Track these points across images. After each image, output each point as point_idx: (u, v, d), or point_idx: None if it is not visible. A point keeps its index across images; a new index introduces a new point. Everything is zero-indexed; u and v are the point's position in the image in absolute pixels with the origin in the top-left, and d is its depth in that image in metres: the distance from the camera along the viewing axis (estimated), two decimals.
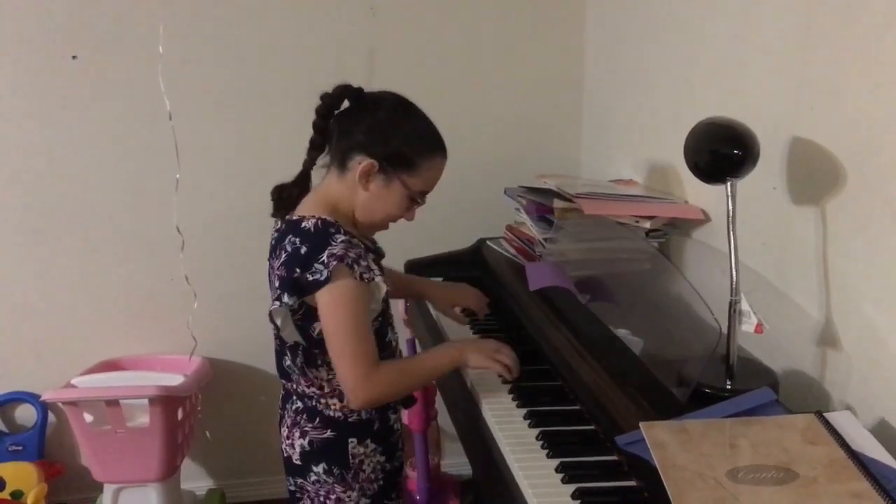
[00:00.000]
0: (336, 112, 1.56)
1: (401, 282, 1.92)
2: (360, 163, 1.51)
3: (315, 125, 1.57)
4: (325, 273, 1.43)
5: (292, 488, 1.64)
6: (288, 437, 1.61)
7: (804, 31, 1.48)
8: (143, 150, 2.51)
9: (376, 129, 1.52)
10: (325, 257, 1.44)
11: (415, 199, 1.56)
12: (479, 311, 1.92)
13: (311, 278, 1.44)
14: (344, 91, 1.55)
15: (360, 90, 1.56)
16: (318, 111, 1.56)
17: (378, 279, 1.49)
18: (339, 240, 1.47)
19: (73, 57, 2.42)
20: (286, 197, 1.60)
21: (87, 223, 2.54)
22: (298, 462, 1.60)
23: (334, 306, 1.45)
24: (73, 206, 2.52)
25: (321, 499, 1.59)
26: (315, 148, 1.58)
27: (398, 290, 1.86)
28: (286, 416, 1.63)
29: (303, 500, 1.62)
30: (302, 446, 1.58)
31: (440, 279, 2.28)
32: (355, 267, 1.45)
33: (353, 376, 1.46)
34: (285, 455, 1.63)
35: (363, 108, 1.55)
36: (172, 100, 2.38)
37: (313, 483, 1.59)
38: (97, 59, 2.44)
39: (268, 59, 2.51)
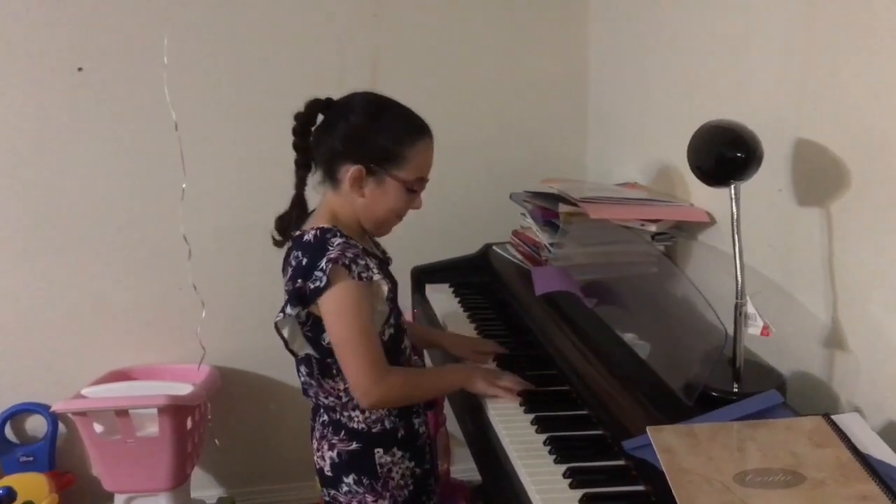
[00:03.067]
0: (313, 128, 1.55)
1: (420, 334, 1.88)
2: (347, 171, 1.50)
3: (295, 146, 1.56)
4: (324, 279, 1.44)
5: (327, 499, 1.65)
6: (318, 450, 1.62)
7: (806, 32, 1.48)
8: (150, 159, 2.52)
9: (353, 134, 1.51)
10: (322, 263, 1.45)
11: (412, 189, 1.54)
12: (497, 350, 1.85)
13: (312, 286, 1.45)
14: (314, 106, 1.55)
15: (328, 101, 1.56)
16: (295, 131, 1.55)
17: (377, 278, 1.49)
18: (335, 243, 1.47)
19: (79, 69, 2.44)
20: (287, 223, 1.60)
21: (94, 233, 2.55)
22: (330, 474, 1.60)
23: (338, 310, 1.46)
24: (81, 216, 2.53)
25: None
26: (301, 167, 1.57)
27: (419, 342, 1.84)
28: (315, 428, 1.64)
29: None
30: (331, 458, 1.59)
31: (446, 284, 2.30)
32: (353, 267, 1.45)
33: (364, 376, 1.48)
34: (317, 467, 1.64)
35: (336, 117, 1.54)
36: (178, 110, 2.39)
37: (345, 494, 1.59)
38: (102, 70, 2.45)
39: (272, 67, 2.52)
